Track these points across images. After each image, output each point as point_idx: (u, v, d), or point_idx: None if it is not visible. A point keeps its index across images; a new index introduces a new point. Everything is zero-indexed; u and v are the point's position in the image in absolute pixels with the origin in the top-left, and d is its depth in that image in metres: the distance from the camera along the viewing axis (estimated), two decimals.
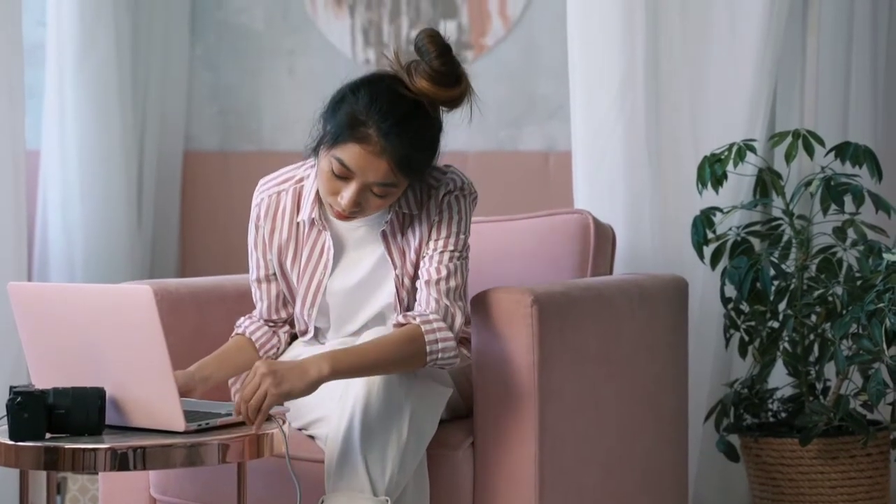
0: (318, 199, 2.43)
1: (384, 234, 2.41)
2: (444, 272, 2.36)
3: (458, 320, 2.35)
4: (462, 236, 2.39)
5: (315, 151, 2.34)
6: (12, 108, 3.14)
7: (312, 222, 2.43)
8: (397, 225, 2.41)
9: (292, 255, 2.46)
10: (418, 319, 2.32)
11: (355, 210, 2.32)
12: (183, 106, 4.16)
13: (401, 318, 2.33)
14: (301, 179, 2.46)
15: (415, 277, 2.41)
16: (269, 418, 2.25)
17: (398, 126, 2.27)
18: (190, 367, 2.42)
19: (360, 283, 2.44)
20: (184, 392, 2.33)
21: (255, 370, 2.19)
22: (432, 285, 2.35)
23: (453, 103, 2.34)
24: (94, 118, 3.92)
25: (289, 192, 2.46)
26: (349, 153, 2.28)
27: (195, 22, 4.16)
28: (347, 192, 2.30)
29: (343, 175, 2.30)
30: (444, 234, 2.38)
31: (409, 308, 2.42)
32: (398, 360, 2.29)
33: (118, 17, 3.95)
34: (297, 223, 2.45)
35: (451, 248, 2.38)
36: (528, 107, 3.83)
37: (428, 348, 2.30)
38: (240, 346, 2.52)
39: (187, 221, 4.19)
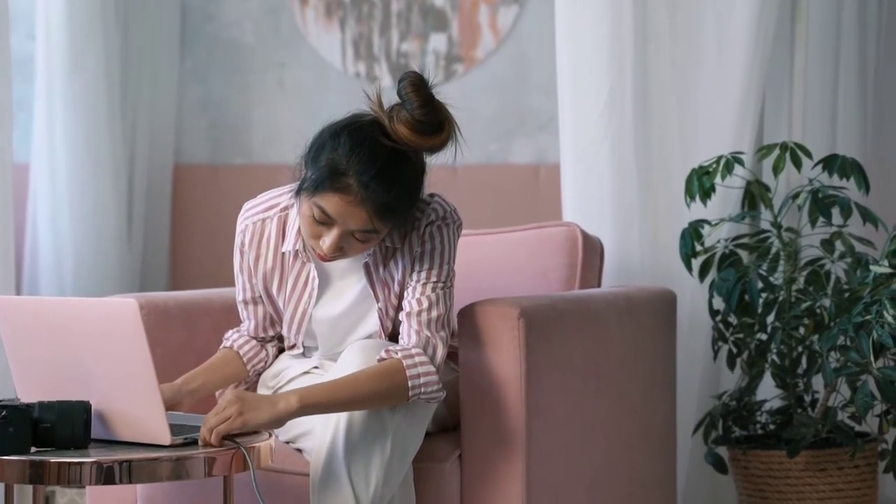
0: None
1: (367, 266, 2.40)
2: (425, 303, 2.35)
3: (440, 351, 2.33)
4: (446, 266, 2.38)
5: (297, 194, 2.33)
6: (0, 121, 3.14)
7: (296, 254, 2.43)
8: (380, 257, 2.40)
9: (278, 282, 2.46)
10: (400, 354, 2.30)
11: (337, 254, 2.31)
12: (173, 119, 4.16)
13: (383, 354, 2.32)
14: (286, 208, 2.44)
15: (399, 309, 2.40)
16: (255, 432, 2.25)
17: (378, 176, 2.25)
18: (176, 380, 2.41)
19: (346, 313, 2.44)
20: (170, 405, 2.33)
21: (225, 398, 2.20)
22: (413, 317, 2.34)
23: (435, 150, 2.32)
24: (83, 132, 3.92)
25: (273, 220, 2.45)
26: (330, 202, 2.27)
27: (185, 35, 4.17)
28: (329, 238, 2.29)
29: (324, 221, 2.29)
30: (426, 265, 2.36)
31: (395, 337, 2.41)
32: (376, 395, 2.27)
33: (108, 31, 3.95)
34: (283, 253, 2.44)
35: (433, 279, 2.36)
36: (518, 119, 3.84)
37: (410, 383, 2.28)
38: (227, 359, 2.52)
39: (177, 235, 4.18)
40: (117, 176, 3.99)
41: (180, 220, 4.18)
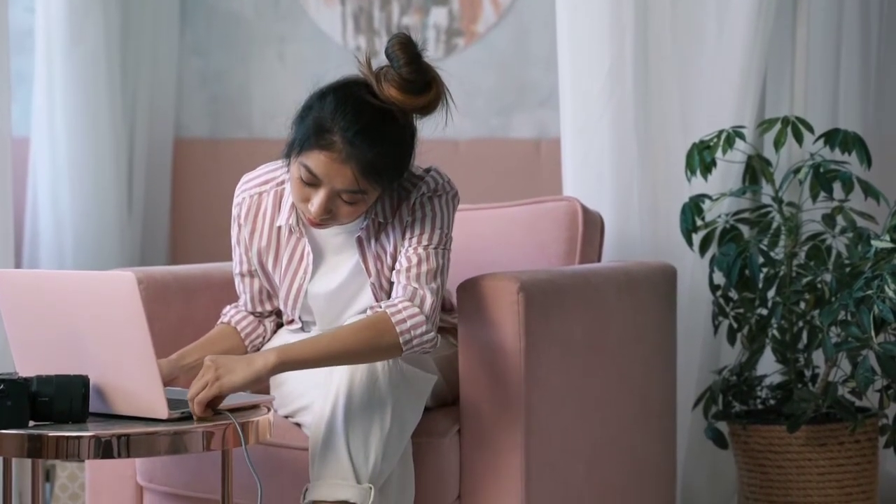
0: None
1: (359, 241, 2.40)
2: (414, 259, 2.34)
3: (429, 300, 2.31)
4: (438, 231, 2.36)
5: (287, 158, 2.33)
6: None
7: (290, 229, 2.43)
8: (373, 232, 2.40)
9: (273, 258, 2.45)
10: (384, 306, 2.30)
11: (326, 217, 2.30)
12: (173, 93, 4.15)
13: (368, 311, 2.33)
14: (282, 182, 2.44)
15: (390, 281, 2.39)
16: (254, 406, 2.24)
17: (363, 133, 2.25)
18: (172, 355, 2.41)
19: (341, 288, 2.43)
20: (167, 380, 2.33)
21: (205, 363, 2.18)
22: (402, 273, 2.34)
23: (424, 110, 2.31)
24: (83, 105, 3.91)
25: (270, 193, 2.45)
26: (315, 160, 2.26)
27: (185, 9, 4.15)
28: (316, 199, 2.28)
29: (311, 182, 2.28)
30: (417, 231, 2.36)
31: None
32: (361, 346, 2.25)
33: (107, 4, 3.94)
34: (278, 227, 2.44)
35: (424, 242, 2.35)
36: (518, 94, 3.83)
37: (398, 329, 2.27)
38: (224, 335, 2.52)
39: (177, 209, 4.18)
40: (117, 149, 3.98)
41: (180, 194, 4.17)
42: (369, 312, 2.32)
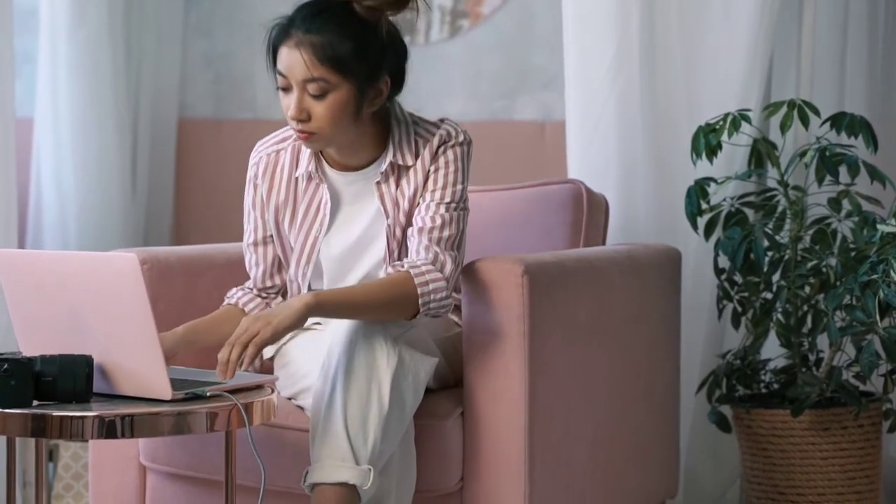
0: (315, 153, 2.46)
1: (378, 185, 2.43)
2: (438, 221, 2.39)
3: (449, 266, 2.36)
4: (459, 187, 2.41)
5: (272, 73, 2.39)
6: (2, 74, 3.12)
7: (310, 176, 2.45)
8: (392, 176, 2.43)
9: (290, 213, 2.48)
10: (406, 266, 2.35)
11: (303, 119, 2.34)
12: (177, 73, 4.14)
13: (390, 270, 2.37)
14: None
15: (407, 228, 2.42)
16: (258, 387, 2.24)
17: (316, 18, 2.32)
18: (178, 328, 2.41)
19: (356, 242, 2.46)
20: (168, 354, 2.33)
21: (242, 322, 2.23)
22: (425, 233, 2.38)
23: (393, 6, 2.36)
24: (87, 86, 3.90)
25: (287, 150, 2.50)
26: (279, 59, 2.34)
27: None
28: (290, 100, 2.35)
29: (284, 86, 2.36)
30: (440, 184, 2.41)
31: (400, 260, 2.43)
32: (387, 302, 2.31)
33: None
34: (296, 178, 2.47)
35: (447, 199, 2.40)
36: (523, 76, 3.81)
37: (419, 291, 2.32)
38: (232, 315, 2.52)
39: (181, 189, 4.17)
40: (121, 130, 3.98)
41: (184, 175, 4.17)
42: (390, 270, 2.36)
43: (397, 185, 2.42)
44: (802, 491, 2.93)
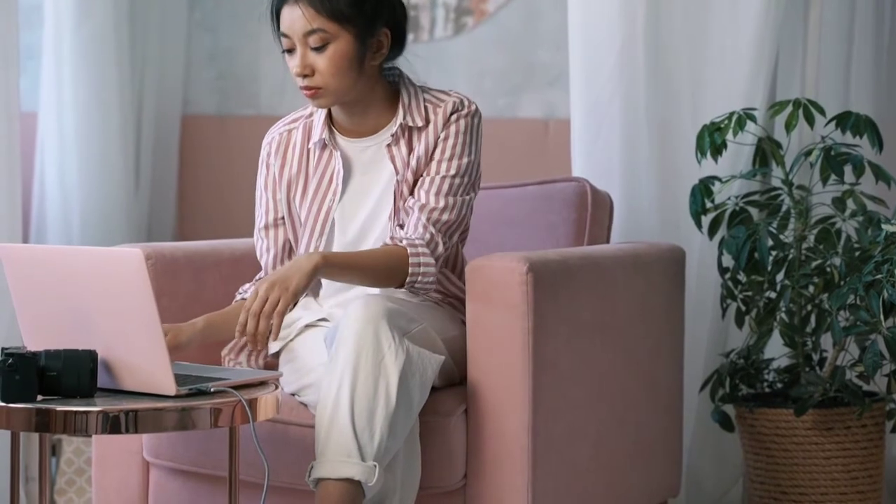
0: (328, 122, 2.51)
1: (389, 147, 2.47)
2: (441, 203, 2.44)
3: (440, 250, 2.43)
4: (465, 160, 2.45)
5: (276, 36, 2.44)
6: (6, 69, 3.12)
7: (323, 144, 2.50)
8: (403, 139, 2.47)
9: (302, 185, 2.52)
10: (405, 242, 2.41)
11: (308, 74, 2.40)
12: (181, 70, 4.14)
13: (388, 240, 2.42)
14: (311, 114, 2.55)
15: (413, 186, 2.46)
16: (262, 383, 2.24)
17: None
18: (197, 319, 2.42)
19: (371, 213, 2.49)
20: (185, 345, 2.36)
21: (257, 290, 2.27)
22: (425, 211, 2.43)
23: None
24: (91, 81, 3.90)
25: (299, 128, 2.55)
26: (281, 21, 2.42)
27: None
28: (294, 59, 2.40)
29: (289, 47, 2.42)
30: (447, 154, 2.45)
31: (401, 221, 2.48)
32: (382, 271, 2.39)
33: None
34: (308, 150, 2.52)
35: (452, 171, 2.44)
36: (528, 73, 3.81)
37: (410, 269, 2.39)
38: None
39: (185, 185, 4.17)
40: (125, 125, 3.98)
41: (188, 171, 4.17)
42: (388, 242, 2.42)
43: (409, 148, 2.47)
44: (805, 491, 2.92)
